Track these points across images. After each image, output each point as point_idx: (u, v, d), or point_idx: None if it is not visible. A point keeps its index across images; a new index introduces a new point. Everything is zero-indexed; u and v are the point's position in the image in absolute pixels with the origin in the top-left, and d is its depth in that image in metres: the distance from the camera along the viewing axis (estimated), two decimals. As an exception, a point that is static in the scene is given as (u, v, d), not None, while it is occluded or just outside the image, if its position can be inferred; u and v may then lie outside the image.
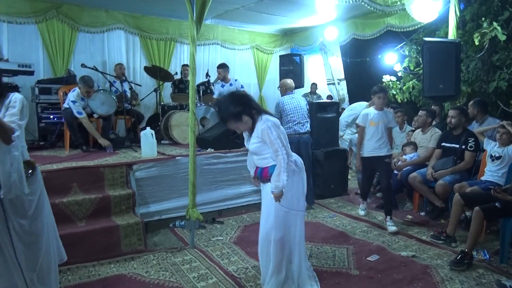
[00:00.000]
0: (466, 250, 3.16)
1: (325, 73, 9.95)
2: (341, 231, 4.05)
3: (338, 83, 10.07)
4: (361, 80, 10.21)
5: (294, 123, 4.65)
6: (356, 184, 5.82)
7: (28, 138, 2.31)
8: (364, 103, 6.38)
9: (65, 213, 3.37)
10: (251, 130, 2.68)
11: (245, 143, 2.82)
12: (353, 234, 3.97)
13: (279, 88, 4.97)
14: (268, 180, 2.69)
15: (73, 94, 4.71)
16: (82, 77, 4.76)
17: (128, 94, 5.58)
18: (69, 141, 4.83)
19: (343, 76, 10.00)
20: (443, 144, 4.36)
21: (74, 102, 4.69)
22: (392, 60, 7.44)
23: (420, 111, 4.74)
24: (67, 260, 3.07)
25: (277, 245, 2.66)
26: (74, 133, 4.73)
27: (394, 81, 7.37)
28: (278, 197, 2.58)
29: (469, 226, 3.29)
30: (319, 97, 9.02)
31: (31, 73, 4.66)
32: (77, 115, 4.69)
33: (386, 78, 7.46)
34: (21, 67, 4.43)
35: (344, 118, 6.83)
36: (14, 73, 4.56)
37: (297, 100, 4.72)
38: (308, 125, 4.77)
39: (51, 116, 5.20)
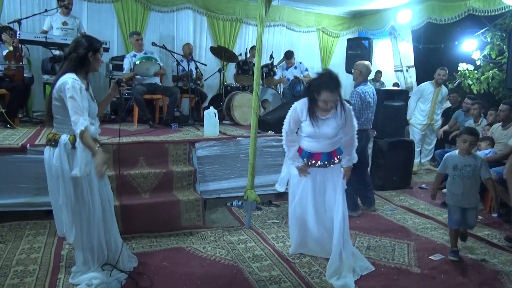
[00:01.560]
0: None
1: (393, 59, 9.46)
2: (402, 226, 3.87)
3: (407, 70, 9.54)
4: (433, 68, 9.49)
5: (370, 119, 4.20)
6: (420, 178, 5.54)
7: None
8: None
9: (132, 184, 3.55)
10: (332, 111, 2.76)
11: (311, 128, 2.78)
12: (415, 230, 3.77)
13: (354, 71, 4.25)
14: (336, 162, 2.87)
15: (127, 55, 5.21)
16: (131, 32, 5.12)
17: (194, 74, 5.70)
18: (137, 116, 5.06)
19: (412, 63, 9.43)
20: (526, 141, 3.96)
21: (125, 57, 5.14)
22: (471, 47, 6.84)
23: (502, 105, 4.32)
24: (132, 229, 3.31)
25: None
26: (142, 109, 4.95)
27: (471, 70, 6.80)
28: (350, 170, 2.90)
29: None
30: (382, 84, 8.60)
31: (106, 50, 4.89)
32: (123, 71, 5.10)
33: (462, 66, 6.90)
34: (98, 44, 4.68)
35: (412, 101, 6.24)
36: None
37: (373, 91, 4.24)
38: None
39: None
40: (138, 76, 5.08)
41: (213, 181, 4.17)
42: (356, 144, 2.91)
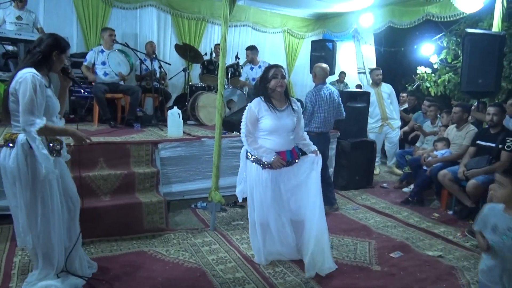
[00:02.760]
0: None
1: (356, 61, 9.69)
2: (364, 224, 3.97)
3: (369, 73, 9.79)
4: (394, 70, 9.88)
5: (328, 121, 4.20)
6: (382, 177, 5.70)
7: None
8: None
9: (91, 187, 3.42)
10: (286, 104, 2.90)
11: (272, 121, 2.81)
12: (376, 228, 3.87)
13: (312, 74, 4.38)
14: (298, 159, 2.95)
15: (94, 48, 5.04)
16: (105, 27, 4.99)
17: (158, 73, 5.58)
18: (97, 116, 4.89)
19: (375, 65, 9.70)
20: (478, 142, 4.16)
21: (91, 50, 5.00)
22: (429, 51, 7.15)
23: (455, 107, 4.52)
24: (91, 233, 3.18)
25: None
26: (103, 108, 4.79)
27: (429, 73, 7.09)
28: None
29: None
30: (346, 86, 8.79)
31: (64, 46, 4.70)
32: (84, 62, 4.96)
33: (421, 69, 7.19)
34: (55, 40, 4.48)
35: None
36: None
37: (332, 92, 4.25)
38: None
39: (82, 90, 5.27)
40: (98, 73, 4.91)
41: (177, 182, 4.10)
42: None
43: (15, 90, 2.17)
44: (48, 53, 2.29)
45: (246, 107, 2.93)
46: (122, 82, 5.13)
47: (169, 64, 6.05)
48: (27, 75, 2.16)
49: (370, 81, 9.53)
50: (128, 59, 4.97)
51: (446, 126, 4.90)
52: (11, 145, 2.23)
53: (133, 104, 4.99)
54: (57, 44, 2.33)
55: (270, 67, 2.92)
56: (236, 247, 3.31)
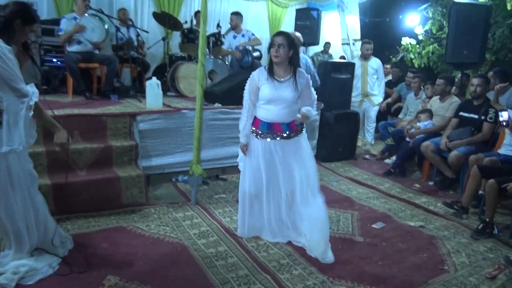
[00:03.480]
0: (487, 219, 3.09)
1: (340, 32, 9.52)
2: (347, 196, 3.97)
3: (353, 44, 9.66)
4: (378, 41, 9.76)
5: None
6: (365, 146, 5.70)
7: (30, 82, 2.21)
8: None
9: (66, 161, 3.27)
10: (289, 75, 2.71)
11: (270, 91, 2.69)
12: (359, 200, 3.88)
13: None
14: (296, 134, 2.79)
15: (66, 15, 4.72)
16: None
17: (135, 42, 5.34)
18: (71, 87, 4.65)
19: (359, 37, 9.57)
20: (461, 113, 4.16)
21: (63, 18, 4.65)
22: (414, 22, 7.04)
23: (438, 79, 4.47)
24: (67, 209, 3.07)
25: None
26: (77, 79, 4.56)
27: (413, 45, 7.01)
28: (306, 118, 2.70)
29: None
30: (331, 57, 8.67)
31: (33, 12, 4.40)
32: (58, 32, 4.63)
33: (405, 40, 7.10)
34: (21, 5, 4.17)
35: None
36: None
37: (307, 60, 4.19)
38: None
39: (54, 60, 5.00)
40: (77, 35, 4.61)
41: (157, 156, 3.98)
42: (315, 110, 2.83)
43: None
44: (10, 20, 2.09)
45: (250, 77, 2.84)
46: (97, 52, 4.88)
47: (147, 33, 5.78)
48: None
49: (355, 53, 9.50)
50: (103, 23, 4.70)
51: (430, 98, 4.87)
52: None
53: (109, 75, 4.76)
54: (23, 13, 2.13)
55: (274, 34, 2.80)
56: (219, 220, 3.26)
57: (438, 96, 4.60)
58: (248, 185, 2.87)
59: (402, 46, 7.17)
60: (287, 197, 2.87)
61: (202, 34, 3.34)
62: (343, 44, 9.58)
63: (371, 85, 5.65)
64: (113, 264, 2.51)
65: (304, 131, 2.89)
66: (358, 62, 5.62)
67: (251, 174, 2.86)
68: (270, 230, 2.93)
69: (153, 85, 4.09)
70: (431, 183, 4.40)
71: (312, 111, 2.74)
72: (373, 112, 5.76)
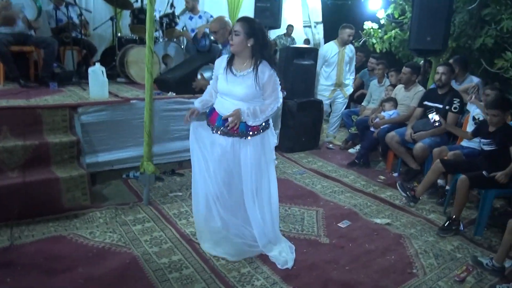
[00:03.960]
0: (454, 216, 3.01)
1: (302, 14, 9.27)
2: (311, 190, 3.78)
3: (315, 26, 9.46)
4: (339, 24, 9.63)
5: None
6: (327, 138, 5.53)
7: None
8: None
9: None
10: (249, 68, 2.38)
11: (224, 84, 2.42)
12: (324, 194, 3.71)
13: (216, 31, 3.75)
14: (254, 134, 2.43)
15: None
16: None
17: (77, 21, 4.79)
18: (3, 73, 4.09)
19: (320, 19, 9.37)
20: (426, 103, 4.06)
21: None
22: (376, 5, 6.88)
23: (404, 68, 4.33)
24: (-7, 218, 2.65)
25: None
26: (8, 64, 3.99)
27: (375, 29, 6.88)
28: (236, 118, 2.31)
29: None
30: (293, 40, 8.42)
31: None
32: None
33: (367, 24, 6.95)
34: None
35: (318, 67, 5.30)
36: None
37: None
38: None
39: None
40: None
41: (104, 151, 3.57)
42: (273, 109, 2.42)
43: None
44: None
45: None
46: (32, 33, 4.31)
47: (90, 12, 5.21)
48: None
49: (316, 36, 9.30)
50: (34, 1, 4.13)
51: (394, 86, 4.75)
52: None
53: (47, 59, 4.21)
54: None
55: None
56: (173, 223, 2.97)
57: (402, 85, 4.47)
58: (195, 179, 2.63)
59: (365, 31, 7.02)
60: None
61: (149, 16, 2.94)
62: (304, 26, 9.35)
63: (344, 74, 5.23)
64: (48, 285, 2.16)
65: (268, 130, 2.51)
66: (335, 48, 5.12)
67: (199, 168, 2.58)
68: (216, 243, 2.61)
69: (96, 72, 3.63)
70: (395, 174, 4.31)
71: (246, 116, 2.33)
72: (341, 104, 5.37)
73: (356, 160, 4.51)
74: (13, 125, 3.02)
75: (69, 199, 2.99)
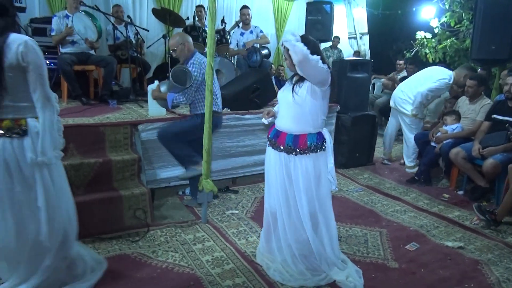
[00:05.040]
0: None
1: (347, 26, 9.12)
2: (370, 209, 3.61)
3: (360, 38, 9.28)
4: (388, 35, 9.37)
5: (217, 100, 3.32)
6: (382, 152, 5.31)
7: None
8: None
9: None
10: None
11: (280, 92, 2.44)
12: (385, 214, 3.52)
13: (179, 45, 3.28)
14: (302, 152, 2.31)
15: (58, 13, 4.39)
16: None
17: (134, 40, 4.94)
18: (66, 92, 4.26)
19: (366, 30, 9.18)
20: (495, 116, 3.78)
21: (54, 16, 4.31)
22: (429, 14, 6.63)
23: (469, 80, 4.05)
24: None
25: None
26: (71, 83, 4.17)
27: (429, 39, 6.62)
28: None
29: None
30: (340, 52, 8.27)
31: (22, 9, 4.00)
32: (51, 32, 4.31)
33: (420, 34, 6.70)
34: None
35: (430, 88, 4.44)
36: (2, 9, 3.91)
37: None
38: None
39: (47, 61, 4.59)
40: (70, 38, 4.24)
41: (161, 168, 3.61)
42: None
43: (19, 60, 1.77)
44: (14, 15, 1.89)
45: None
46: (93, 52, 4.48)
47: (147, 31, 5.36)
48: (27, 39, 1.80)
49: (362, 47, 9.09)
50: (95, 22, 4.30)
51: (456, 98, 4.48)
52: (19, 133, 1.87)
53: (107, 77, 4.37)
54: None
55: None
56: (233, 243, 2.90)
57: (466, 97, 4.21)
58: (266, 197, 2.59)
59: (417, 40, 6.77)
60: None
61: (210, 34, 2.95)
62: (349, 38, 9.20)
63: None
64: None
65: (323, 152, 2.35)
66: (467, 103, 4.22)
67: (267, 185, 2.56)
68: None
69: (155, 90, 3.69)
70: (460, 192, 4.03)
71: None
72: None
73: (416, 177, 4.28)
74: (79, 143, 3.10)
75: (130, 217, 3.02)
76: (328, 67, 2.21)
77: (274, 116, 2.51)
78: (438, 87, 4.40)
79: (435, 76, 4.44)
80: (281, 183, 2.42)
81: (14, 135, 1.86)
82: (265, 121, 2.55)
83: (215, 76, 3.28)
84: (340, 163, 4.69)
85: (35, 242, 1.97)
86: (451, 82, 4.36)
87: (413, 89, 4.49)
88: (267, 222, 2.59)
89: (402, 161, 4.95)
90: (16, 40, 1.79)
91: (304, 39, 2.16)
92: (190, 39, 3.38)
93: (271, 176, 2.49)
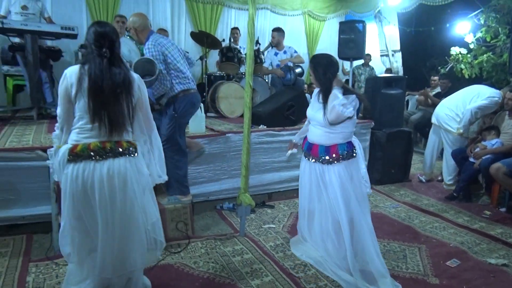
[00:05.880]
0: None
1: (378, 43, 9.15)
2: (408, 225, 3.58)
3: (393, 55, 9.26)
4: (421, 51, 9.32)
5: (188, 77, 3.27)
6: (418, 169, 5.25)
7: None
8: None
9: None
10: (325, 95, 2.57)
11: (309, 110, 2.74)
12: (423, 230, 3.48)
13: (136, 29, 3.10)
14: (334, 162, 2.57)
15: None
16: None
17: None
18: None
19: (398, 47, 9.17)
20: (536, 131, 3.70)
21: None
22: (464, 29, 6.58)
23: (509, 93, 4.00)
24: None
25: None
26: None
27: (464, 54, 6.55)
28: None
29: None
30: (372, 69, 8.30)
31: (74, 36, 4.34)
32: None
33: (455, 50, 6.64)
34: (64, 30, 4.10)
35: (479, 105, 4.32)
36: (57, 36, 4.26)
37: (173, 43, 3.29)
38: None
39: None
40: None
41: (201, 183, 3.75)
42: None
43: (139, 90, 2.05)
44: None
45: None
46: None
47: (187, 53, 5.61)
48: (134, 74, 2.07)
49: (395, 64, 9.07)
50: (138, 47, 4.58)
51: (494, 113, 4.40)
52: (133, 152, 2.07)
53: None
54: None
55: None
56: (271, 256, 2.96)
57: (505, 112, 4.14)
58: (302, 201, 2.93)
59: (452, 56, 6.71)
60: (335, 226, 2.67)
61: (249, 54, 3.11)
62: (381, 55, 9.20)
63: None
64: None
65: (354, 159, 2.61)
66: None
67: (301, 191, 2.91)
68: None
69: (195, 108, 3.88)
70: (502, 209, 3.92)
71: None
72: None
73: (455, 194, 4.21)
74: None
75: (173, 229, 3.15)
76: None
77: (296, 147, 2.97)
78: (487, 105, 4.28)
79: (484, 94, 4.33)
80: (317, 191, 2.71)
81: (131, 154, 2.05)
82: (289, 153, 3.00)
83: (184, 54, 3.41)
84: (375, 179, 4.68)
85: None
86: (500, 100, 4.26)
87: (460, 106, 4.39)
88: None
89: (439, 178, 4.87)
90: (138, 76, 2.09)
91: (313, 61, 2.65)
92: (144, 20, 3.09)
93: (306, 185, 2.80)
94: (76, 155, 1.94)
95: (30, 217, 3.00)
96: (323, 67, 2.58)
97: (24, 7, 4.58)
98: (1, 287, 2.42)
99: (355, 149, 2.62)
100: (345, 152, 2.58)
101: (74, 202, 1.96)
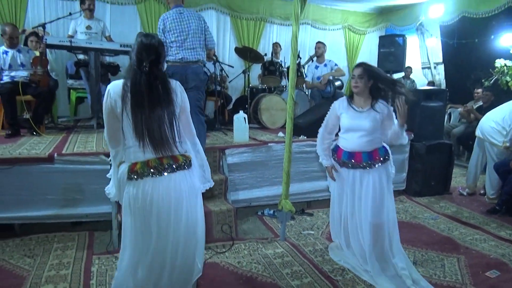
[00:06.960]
0: None
1: (420, 56, 9.09)
2: (447, 237, 3.60)
3: (435, 67, 9.15)
4: (464, 64, 9.11)
5: (181, 47, 3.53)
6: (458, 182, 5.21)
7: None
8: None
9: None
10: (369, 105, 2.75)
11: (348, 120, 2.80)
12: (463, 241, 3.50)
13: None
14: (378, 164, 2.75)
15: None
16: None
17: (219, 76, 5.53)
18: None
19: (440, 60, 9.06)
20: None
21: None
22: (509, 41, 6.47)
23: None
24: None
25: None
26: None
27: (509, 66, 6.42)
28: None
29: None
30: (413, 82, 8.27)
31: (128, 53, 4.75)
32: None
33: (500, 62, 6.53)
34: (122, 47, 4.53)
35: None
36: (116, 52, 4.70)
37: (188, 17, 3.62)
38: (203, 53, 3.72)
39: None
40: None
41: (243, 189, 3.98)
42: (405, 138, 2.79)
43: (180, 99, 1.95)
44: None
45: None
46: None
47: (232, 67, 5.97)
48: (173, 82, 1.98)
49: (437, 77, 8.96)
50: None
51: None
52: (187, 165, 2.00)
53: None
54: None
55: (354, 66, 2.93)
56: (310, 259, 3.12)
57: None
58: (332, 207, 3.14)
59: (496, 69, 6.59)
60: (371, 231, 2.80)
61: (292, 68, 3.33)
62: (423, 68, 9.13)
63: None
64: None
65: (389, 161, 2.83)
66: None
67: (337, 199, 3.06)
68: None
69: (239, 119, 4.16)
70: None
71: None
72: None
73: (497, 207, 4.16)
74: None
75: (218, 231, 3.39)
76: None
77: (334, 168, 3.02)
78: None
79: None
80: (357, 197, 2.84)
81: (185, 168, 1.98)
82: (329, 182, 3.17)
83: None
84: (414, 191, 4.71)
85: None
86: None
87: (506, 119, 4.28)
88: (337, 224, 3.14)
89: (482, 191, 4.81)
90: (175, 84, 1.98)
91: (368, 70, 2.75)
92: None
93: (346, 192, 2.93)
94: (136, 173, 1.89)
95: (93, 215, 3.35)
96: (379, 76, 2.78)
97: (88, 27, 5.08)
98: (70, 274, 2.75)
99: (389, 151, 2.84)
100: (383, 154, 2.79)
101: (136, 220, 1.94)
